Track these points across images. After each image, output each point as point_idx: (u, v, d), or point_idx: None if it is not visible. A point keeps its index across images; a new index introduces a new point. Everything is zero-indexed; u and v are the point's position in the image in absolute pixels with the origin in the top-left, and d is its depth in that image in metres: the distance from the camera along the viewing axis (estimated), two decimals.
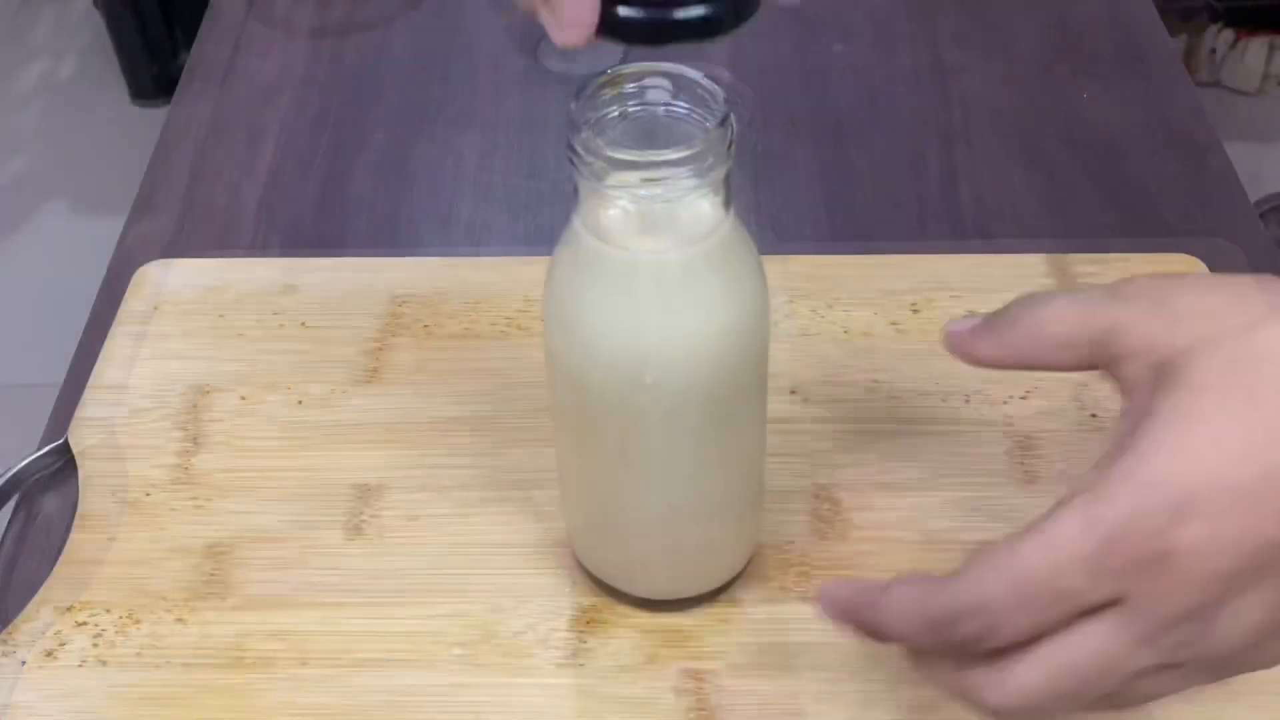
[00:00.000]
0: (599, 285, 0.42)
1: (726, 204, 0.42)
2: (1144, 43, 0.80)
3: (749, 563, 0.52)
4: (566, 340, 0.44)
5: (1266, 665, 0.38)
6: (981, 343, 0.42)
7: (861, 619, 0.40)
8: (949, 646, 0.38)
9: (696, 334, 0.42)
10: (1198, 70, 1.96)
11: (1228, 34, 1.96)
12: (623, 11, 0.40)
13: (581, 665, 0.49)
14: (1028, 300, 0.42)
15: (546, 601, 0.51)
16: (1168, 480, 0.35)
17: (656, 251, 0.41)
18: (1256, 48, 1.96)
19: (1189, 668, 0.37)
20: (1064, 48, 0.79)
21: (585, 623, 0.51)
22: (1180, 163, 0.71)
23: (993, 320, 0.42)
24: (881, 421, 0.57)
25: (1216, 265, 0.63)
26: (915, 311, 0.61)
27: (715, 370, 0.43)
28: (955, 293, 0.62)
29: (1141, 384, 0.38)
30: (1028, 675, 0.37)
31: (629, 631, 0.50)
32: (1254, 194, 0.72)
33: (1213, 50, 1.97)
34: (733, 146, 0.40)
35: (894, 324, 0.61)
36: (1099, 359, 0.40)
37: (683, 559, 0.49)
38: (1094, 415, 0.57)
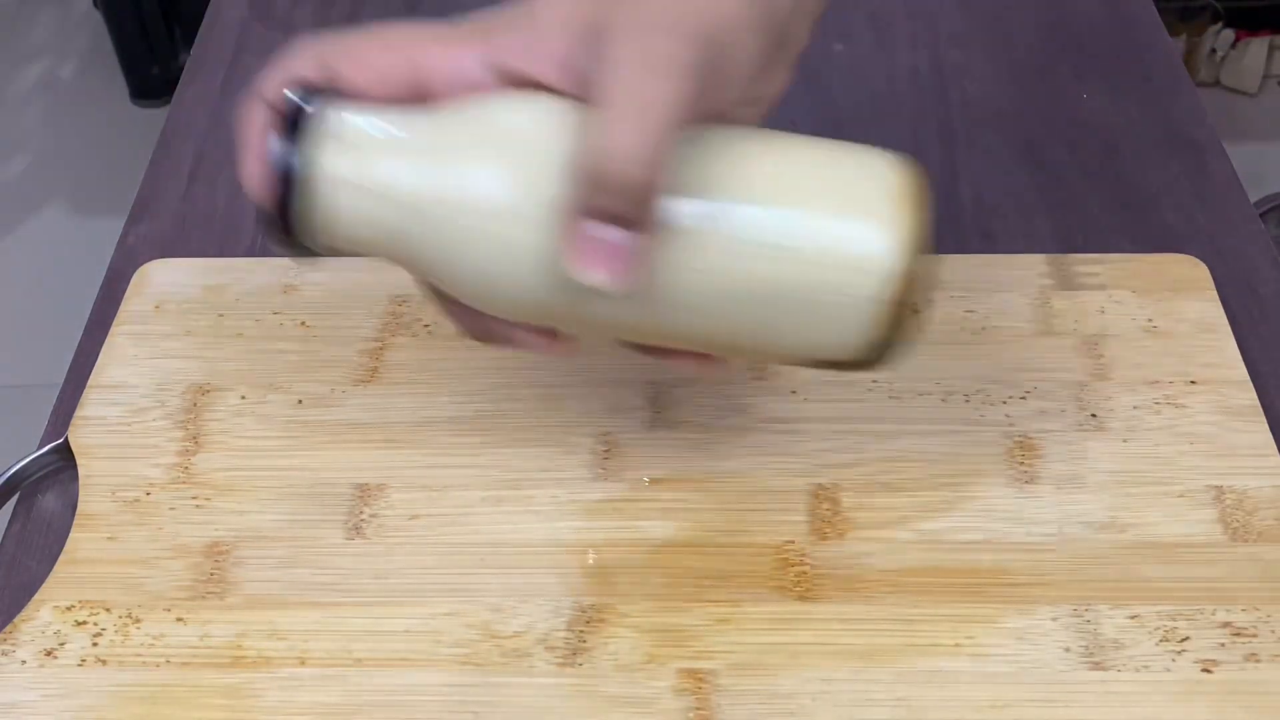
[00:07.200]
0: None
1: None
2: (1144, 43, 0.80)
3: (750, 563, 0.52)
4: None
5: None
6: None
7: None
8: None
9: None
10: (1198, 70, 1.96)
11: (1228, 34, 1.97)
12: None
13: (581, 665, 0.49)
14: None
15: (546, 601, 0.51)
16: None
17: None
18: (1256, 48, 1.96)
19: None
20: (1064, 48, 0.79)
21: (585, 623, 0.51)
22: (1180, 163, 0.71)
23: None
24: (881, 421, 0.57)
25: (1218, 266, 0.63)
26: (914, 311, 0.61)
27: None
28: (955, 293, 0.62)
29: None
30: None
31: (629, 631, 0.50)
32: (1254, 194, 0.72)
33: (1213, 50, 1.97)
34: None
35: None
36: None
37: None
38: (1094, 415, 0.57)
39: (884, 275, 0.44)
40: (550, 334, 0.47)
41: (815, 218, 0.44)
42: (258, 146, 0.44)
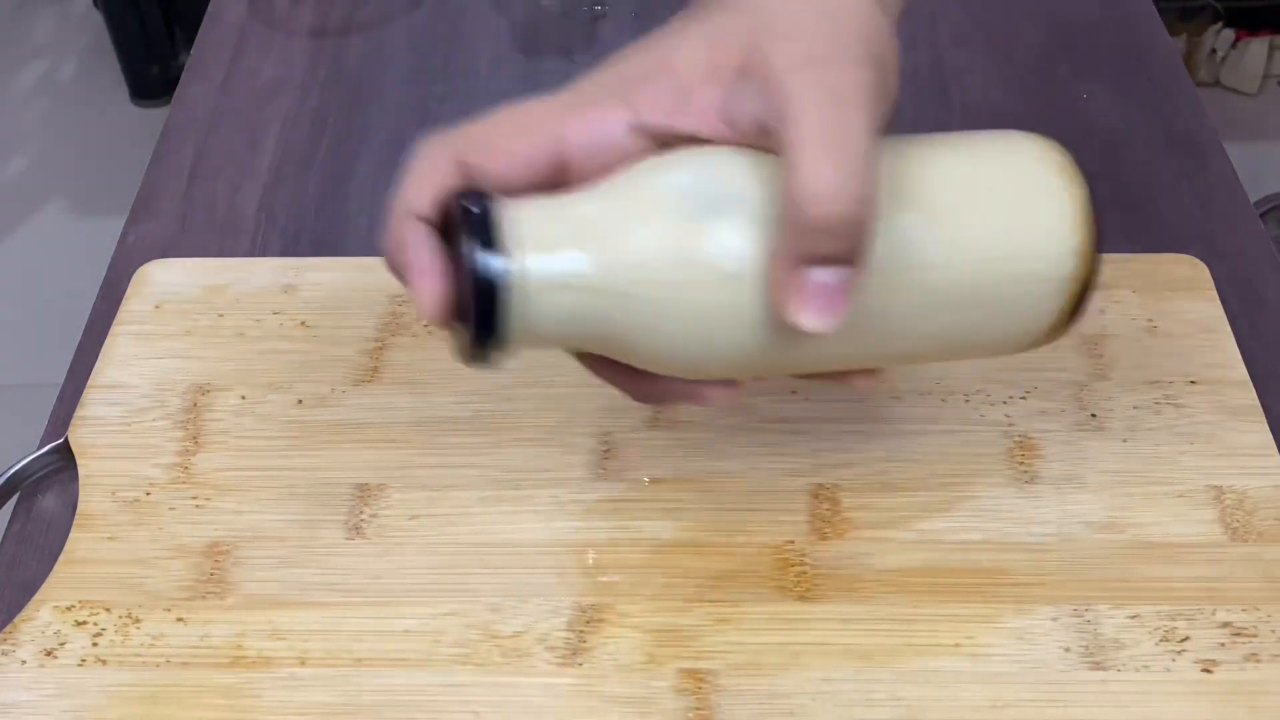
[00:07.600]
0: None
1: None
2: (1144, 43, 0.80)
3: (750, 563, 0.52)
4: None
5: None
6: None
7: None
8: None
9: None
10: (1198, 70, 1.96)
11: (1228, 34, 1.97)
12: None
13: (581, 665, 0.49)
14: None
15: (546, 601, 0.51)
16: None
17: None
18: (1256, 48, 1.96)
19: None
20: (1064, 48, 0.79)
21: (585, 623, 0.51)
22: (1180, 163, 0.71)
23: None
24: (881, 421, 0.57)
25: (1218, 266, 0.63)
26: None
27: None
28: None
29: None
30: None
31: (628, 631, 0.50)
32: (1254, 194, 0.72)
33: (1213, 50, 1.97)
34: None
35: None
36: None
37: None
38: (1094, 415, 0.57)
39: (1072, 253, 0.44)
40: (731, 384, 0.46)
41: (999, 215, 0.45)
42: (431, 266, 0.42)
